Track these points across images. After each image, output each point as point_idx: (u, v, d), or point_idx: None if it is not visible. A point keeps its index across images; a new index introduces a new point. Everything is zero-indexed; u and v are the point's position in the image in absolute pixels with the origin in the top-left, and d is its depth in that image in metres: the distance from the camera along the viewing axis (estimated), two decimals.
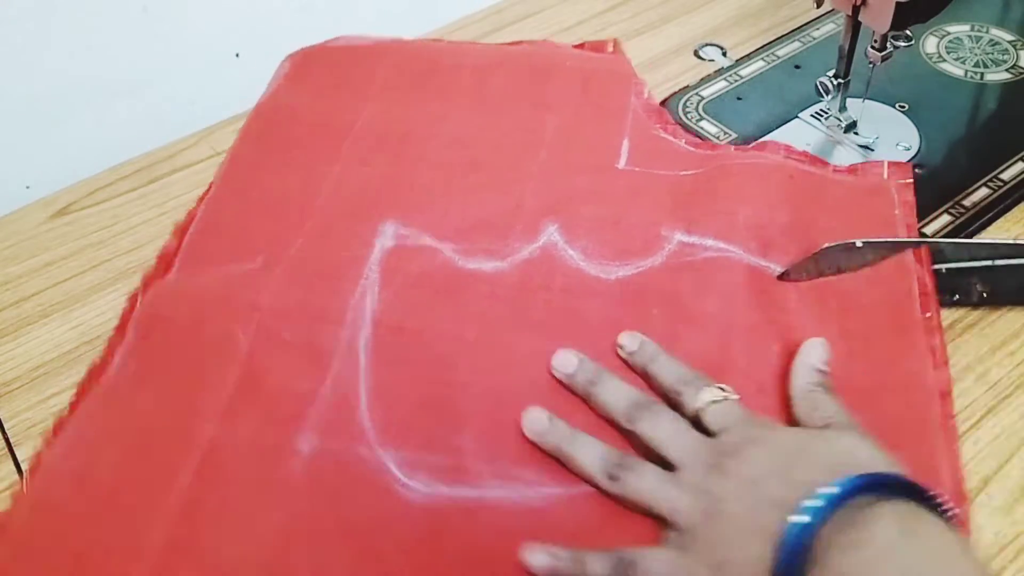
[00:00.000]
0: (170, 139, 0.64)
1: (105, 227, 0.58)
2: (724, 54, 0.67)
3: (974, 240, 0.46)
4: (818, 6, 0.54)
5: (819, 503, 0.34)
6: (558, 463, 0.41)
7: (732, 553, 0.36)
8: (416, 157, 0.57)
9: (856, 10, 0.52)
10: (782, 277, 0.47)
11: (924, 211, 0.53)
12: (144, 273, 0.52)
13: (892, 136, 0.58)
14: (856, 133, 0.58)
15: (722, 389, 0.42)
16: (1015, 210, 0.53)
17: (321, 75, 0.64)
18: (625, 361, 0.46)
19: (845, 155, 0.57)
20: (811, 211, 0.51)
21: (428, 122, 0.59)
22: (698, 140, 0.58)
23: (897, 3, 0.49)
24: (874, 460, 0.37)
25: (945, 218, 0.53)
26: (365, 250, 0.51)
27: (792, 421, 0.42)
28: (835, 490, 0.34)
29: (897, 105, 0.60)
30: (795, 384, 0.43)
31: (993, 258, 0.46)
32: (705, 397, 0.42)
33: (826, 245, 0.46)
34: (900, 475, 0.35)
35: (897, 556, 0.32)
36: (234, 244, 0.53)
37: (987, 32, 0.66)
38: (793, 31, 0.68)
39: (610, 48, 0.64)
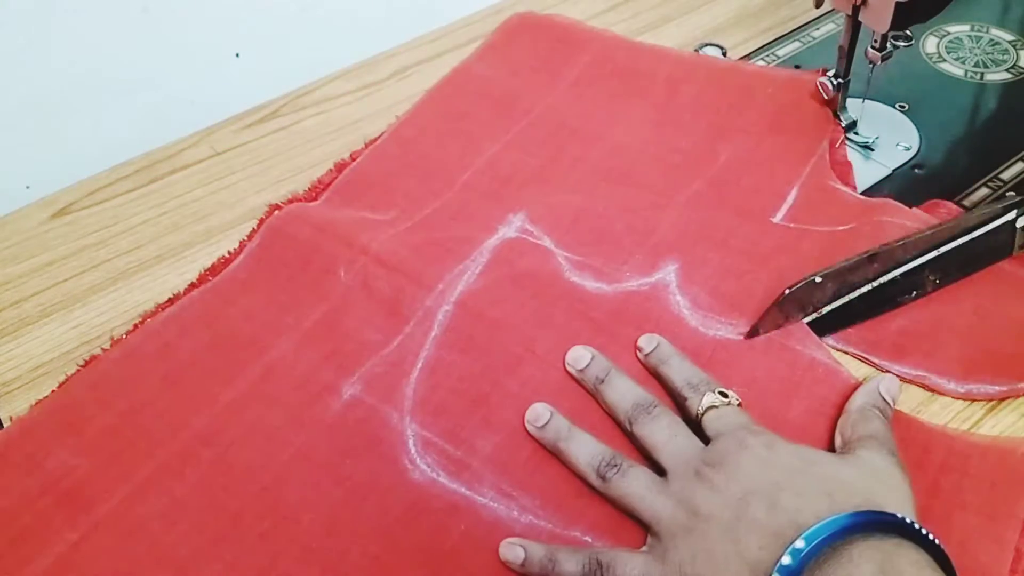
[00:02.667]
0: (170, 139, 0.64)
1: (105, 227, 0.58)
2: (724, 54, 0.67)
3: (923, 233, 0.47)
4: (818, 6, 0.54)
5: (802, 545, 0.33)
6: (560, 507, 0.41)
7: (707, 570, 0.35)
8: (576, 156, 0.57)
9: (856, 10, 0.52)
10: (751, 335, 0.47)
11: None
12: (293, 194, 0.57)
13: (892, 136, 0.58)
14: (856, 133, 0.58)
15: (723, 394, 0.42)
16: None
17: (524, 50, 0.66)
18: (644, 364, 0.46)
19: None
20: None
21: (604, 122, 0.60)
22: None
23: (897, 3, 0.49)
24: (872, 489, 0.36)
25: None
26: (485, 233, 0.52)
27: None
28: (824, 530, 0.33)
29: (897, 105, 0.60)
30: (854, 400, 0.42)
31: (940, 244, 0.47)
32: (706, 402, 0.41)
33: (787, 290, 0.46)
34: (885, 512, 0.34)
35: None
36: (378, 193, 0.56)
37: (987, 32, 0.66)
38: (793, 31, 0.68)
39: (821, 81, 0.57)
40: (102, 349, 0.50)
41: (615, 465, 0.40)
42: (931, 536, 0.34)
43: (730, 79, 0.62)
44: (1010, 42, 0.65)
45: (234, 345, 0.48)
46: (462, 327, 0.47)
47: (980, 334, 0.45)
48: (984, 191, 0.54)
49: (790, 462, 0.38)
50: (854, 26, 0.54)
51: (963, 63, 0.63)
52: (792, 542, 0.33)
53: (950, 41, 0.65)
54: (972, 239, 0.47)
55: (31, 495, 0.43)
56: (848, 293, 0.46)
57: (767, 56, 0.65)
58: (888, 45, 0.54)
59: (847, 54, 0.55)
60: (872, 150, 0.57)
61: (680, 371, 0.44)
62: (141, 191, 0.61)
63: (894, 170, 0.56)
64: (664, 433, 0.41)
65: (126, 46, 0.65)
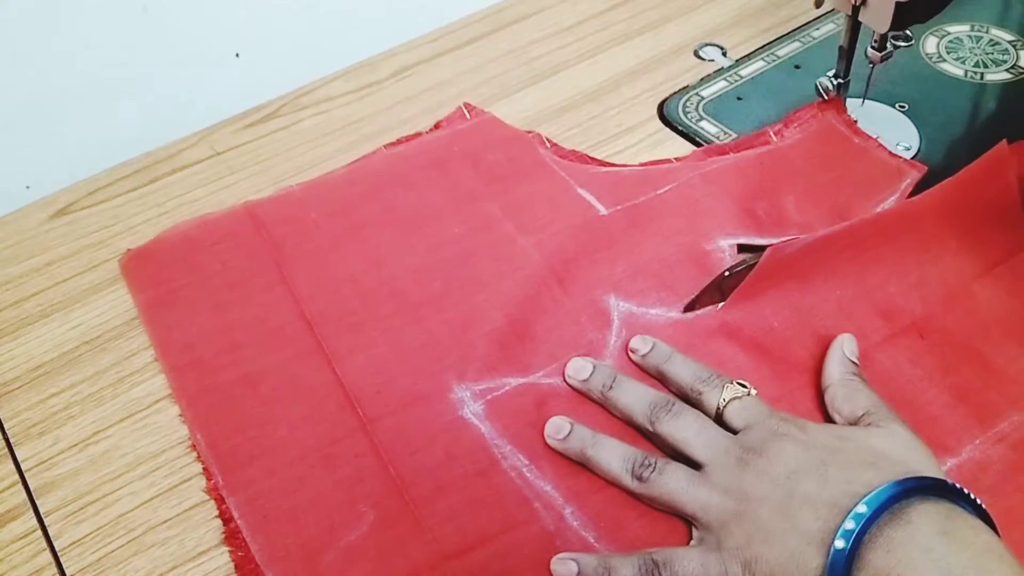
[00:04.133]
0: (170, 139, 0.64)
1: (105, 227, 0.58)
2: (724, 54, 0.67)
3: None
4: (818, 6, 0.54)
5: (864, 510, 0.34)
6: (600, 515, 0.41)
7: (766, 550, 0.36)
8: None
9: (856, 10, 0.52)
10: (688, 309, 0.48)
11: None
12: None
13: (892, 136, 0.58)
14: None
15: (743, 385, 0.42)
16: None
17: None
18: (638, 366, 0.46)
19: None
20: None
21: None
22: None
23: (897, 3, 0.49)
24: (909, 457, 0.37)
25: None
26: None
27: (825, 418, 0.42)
28: (883, 494, 0.34)
29: (897, 105, 0.60)
30: (830, 374, 0.43)
31: None
32: (727, 394, 0.42)
33: (726, 272, 0.47)
34: (937, 477, 0.35)
35: (936, 556, 0.32)
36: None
37: (987, 32, 0.66)
38: (793, 31, 0.68)
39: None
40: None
41: (649, 464, 0.40)
42: (979, 501, 0.35)
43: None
44: (1010, 42, 0.65)
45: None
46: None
47: None
48: None
49: (827, 441, 0.38)
50: (854, 26, 0.54)
51: (963, 63, 0.63)
52: (851, 509, 0.34)
53: (950, 41, 0.65)
54: None
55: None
56: None
57: (767, 56, 0.65)
58: (888, 45, 0.54)
59: (847, 54, 0.55)
60: None
61: (686, 368, 0.44)
62: (141, 191, 0.61)
63: None
64: (692, 427, 0.41)
65: (126, 46, 0.65)
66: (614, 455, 0.41)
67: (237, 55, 0.70)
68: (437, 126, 0.61)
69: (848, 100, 0.58)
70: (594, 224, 0.54)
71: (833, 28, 0.67)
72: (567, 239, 0.53)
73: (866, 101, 0.59)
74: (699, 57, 0.67)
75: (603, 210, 0.54)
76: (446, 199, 0.56)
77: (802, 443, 0.38)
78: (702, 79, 0.64)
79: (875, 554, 0.33)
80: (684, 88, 0.64)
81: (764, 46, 0.67)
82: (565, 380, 0.46)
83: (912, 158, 0.56)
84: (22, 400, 0.49)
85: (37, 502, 0.45)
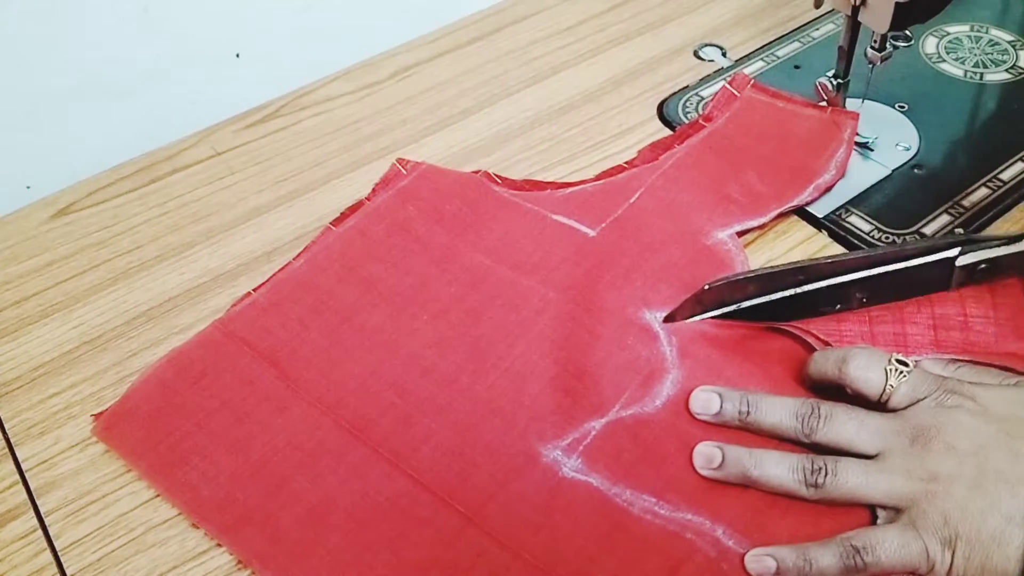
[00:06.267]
0: (170, 139, 0.64)
1: (105, 227, 0.58)
2: (724, 54, 0.67)
3: (856, 254, 0.47)
4: (818, 6, 0.54)
5: None
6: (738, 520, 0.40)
7: (965, 529, 0.35)
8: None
9: (856, 10, 0.52)
10: (667, 320, 0.47)
11: (923, 212, 0.53)
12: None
13: (892, 136, 0.58)
14: (856, 133, 0.58)
15: (903, 362, 0.40)
16: (1014, 210, 0.53)
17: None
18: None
19: None
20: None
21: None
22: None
23: (897, 3, 0.49)
24: None
25: (944, 218, 0.53)
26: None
27: None
28: None
29: (897, 105, 0.60)
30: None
31: (870, 267, 0.46)
32: (892, 380, 0.40)
33: (706, 285, 0.46)
34: None
35: None
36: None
37: (987, 32, 0.66)
38: (793, 31, 0.68)
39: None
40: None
41: (820, 468, 0.39)
42: None
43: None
44: (1009, 42, 0.65)
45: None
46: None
47: None
48: (983, 191, 0.54)
49: (1004, 410, 0.38)
50: (854, 26, 0.54)
51: (963, 63, 0.63)
52: None
53: (950, 41, 0.65)
54: (907, 268, 0.46)
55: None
56: (770, 294, 0.46)
57: (767, 56, 0.66)
58: (888, 45, 0.54)
59: (847, 54, 0.55)
60: (872, 150, 0.57)
61: (785, 405, 0.42)
62: (141, 191, 0.61)
63: (894, 170, 0.56)
64: (851, 425, 0.40)
65: (126, 46, 0.65)
66: (780, 468, 0.39)
67: (237, 55, 0.70)
68: (375, 191, 0.57)
69: (848, 100, 0.58)
70: (589, 247, 0.52)
71: (833, 28, 0.67)
72: (571, 268, 0.51)
73: (866, 101, 0.59)
74: (699, 57, 0.67)
75: (590, 232, 0.53)
76: (426, 262, 0.52)
77: (980, 415, 0.38)
78: (702, 79, 0.64)
79: None
80: (684, 88, 0.64)
81: (764, 46, 0.67)
82: (689, 411, 0.43)
83: (912, 158, 0.56)
84: (23, 400, 0.49)
85: (38, 502, 0.44)
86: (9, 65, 0.61)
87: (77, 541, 0.43)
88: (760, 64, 0.65)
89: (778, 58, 0.65)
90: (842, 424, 0.40)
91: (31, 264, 0.56)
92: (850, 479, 0.38)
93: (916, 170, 0.56)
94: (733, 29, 0.69)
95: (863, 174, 0.56)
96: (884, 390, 0.40)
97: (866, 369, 0.40)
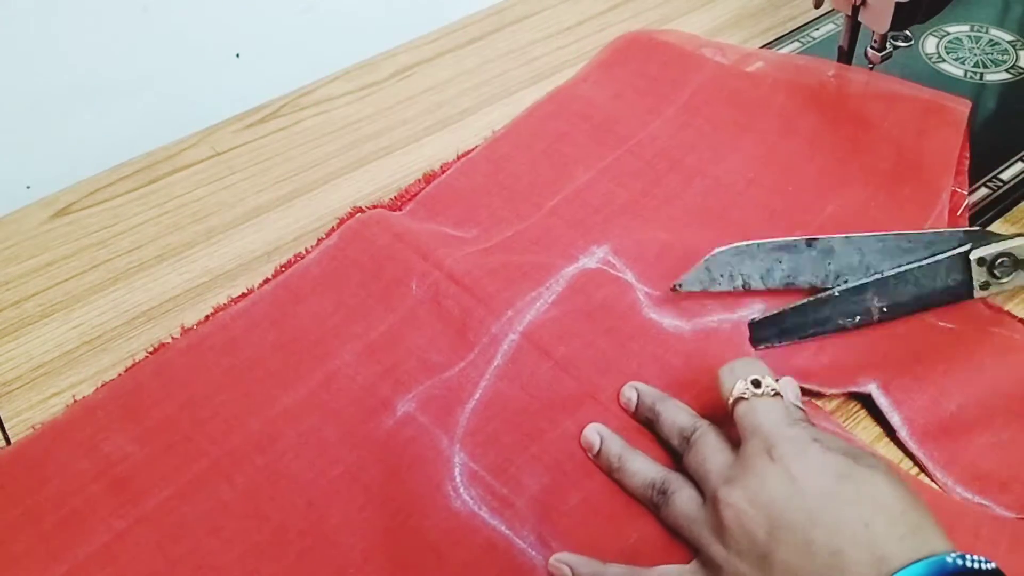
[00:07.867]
0: (170, 139, 0.64)
1: (105, 227, 0.58)
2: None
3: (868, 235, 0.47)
4: (817, 6, 0.55)
5: None
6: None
7: None
8: (671, 192, 0.54)
9: (856, 10, 0.52)
10: (675, 289, 0.47)
11: None
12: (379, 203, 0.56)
13: None
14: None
15: (755, 383, 0.39)
16: (1014, 210, 0.53)
17: (632, 72, 0.62)
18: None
19: None
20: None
21: (707, 156, 0.56)
22: None
23: (897, 3, 0.49)
24: (906, 507, 0.33)
25: None
26: (565, 261, 0.50)
27: None
28: None
29: None
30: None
31: (884, 253, 0.46)
32: (736, 390, 0.39)
33: (717, 250, 0.46)
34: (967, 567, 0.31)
35: None
36: (462, 209, 0.54)
37: (987, 32, 0.66)
38: (793, 31, 0.68)
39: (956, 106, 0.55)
40: (172, 337, 0.50)
41: (663, 491, 0.39)
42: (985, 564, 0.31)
43: (852, 111, 0.56)
44: (1009, 42, 0.65)
45: (299, 347, 0.48)
46: (526, 361, 0.45)
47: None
48: (984, 191, 0.54)
49: (819, 482, 0.34)
50: (854, 26, 0.54)
51: (963, 63, 0.63)
52: None
53: (950, 41, 0.65)
54: (921, 267, 0.45)
55: (85, 478, 0.43)
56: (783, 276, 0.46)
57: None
58: (888, 45, 0.54)
59: (847, 54, 0.56)
60: None
61: (676, 413, 0.42)
62: (141, 191, 0.61)
63: None
64: (697, 457, 0.39)
65: (126, 46, 0.65)
66: (636, 480, 0.40)
67: (237, 55, 0.70)
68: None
69: None
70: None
71: (833, 28, 0.67)
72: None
73: None
74: None
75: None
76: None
77: (789, 480, 0.35)
78: None
79: None
80: None
81: (764, 46, 0.67)
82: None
83: None
84: (23, 400, 0.49)
85: None
86: (9, 65, 0.61)
87: None
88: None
89: None
90: (692, 455, 0.39)
91: (31, 264, 0.56)
92: (677, 511, 0.38)
93: None
94: (733, 29, 0.69)
95: None
96: (730, 396, 0.39)
97: (730, 372, 0.40)
